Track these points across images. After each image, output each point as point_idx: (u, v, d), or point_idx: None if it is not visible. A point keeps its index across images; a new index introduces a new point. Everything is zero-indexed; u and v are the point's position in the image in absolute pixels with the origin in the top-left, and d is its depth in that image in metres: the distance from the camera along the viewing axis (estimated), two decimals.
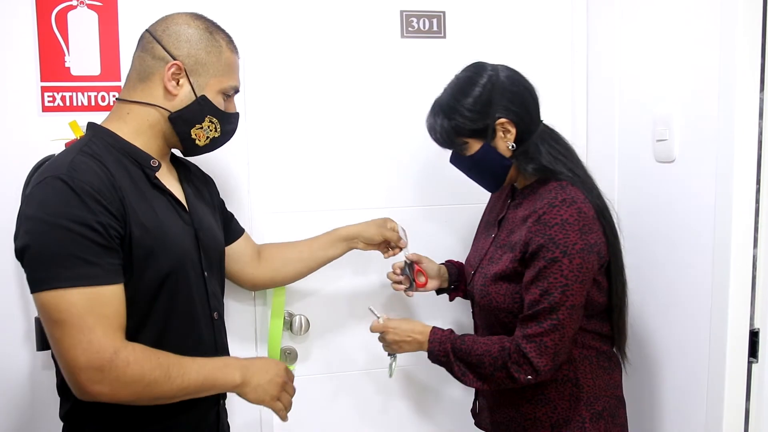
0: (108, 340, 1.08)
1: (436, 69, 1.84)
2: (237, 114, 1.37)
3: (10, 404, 1.62)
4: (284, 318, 1.76)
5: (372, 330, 1.57)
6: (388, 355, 1.59)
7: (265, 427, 1.80)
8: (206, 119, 1.29)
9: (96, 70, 1.62)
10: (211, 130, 1.31)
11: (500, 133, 1.42)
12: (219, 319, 1.36)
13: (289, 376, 1.35)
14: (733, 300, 1.38)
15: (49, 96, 1.60)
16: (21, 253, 1.10)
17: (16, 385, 1.62)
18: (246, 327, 1.76)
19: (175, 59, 1.24)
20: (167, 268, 1.20)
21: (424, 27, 1.84)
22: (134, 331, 1.15)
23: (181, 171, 1.39)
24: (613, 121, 1.81)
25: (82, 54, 1.61)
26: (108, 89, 1.63)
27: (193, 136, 1.30)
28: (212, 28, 1.30)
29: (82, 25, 1.60)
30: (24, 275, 1.14)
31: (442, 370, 1.47)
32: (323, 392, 1.86)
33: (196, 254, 1.29)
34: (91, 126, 1.26)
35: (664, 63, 1.59)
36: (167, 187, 1.28)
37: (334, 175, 1.82)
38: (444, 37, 1.85)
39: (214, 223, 1.43)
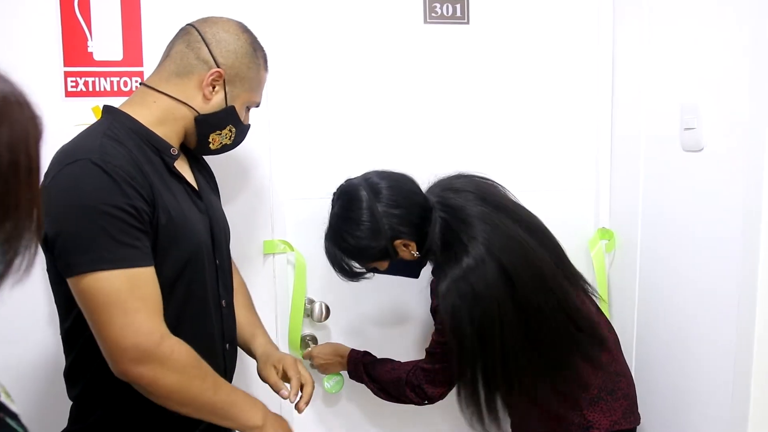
0: (154, 324, 1.09)
1: (460, 56, 1.83)
2: (249, 126, 1.40)
3: (34, 384, 1.64)
4: (304, 305, 1.76)
5: (303, 357, 1.72)
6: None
7: (285, 416, 1.80)
8: (227, 127, 1.32)
9: (119, 55, 1.63)
10: (226, 138, 1.34)
11: (402, 248, 1.48)
12: (227, 308, 1.36)
13: None
14: (762, 292, 1.36)
15: (72, 81, 1.60)
16: (53, 238, 1.08)
17: (37, 367, 1.64)
18: (266, 314, 1.76)
19: (219, 67, 1.25)
20: (187, 255, 1.21)
21: (447, 12, 1.81)
22: None
23: (191, 159, 1.39)
24: (639, 109, 1.78)
25: (105, 39, 1.61)
26: (130, 74, 1.63)
27: (209, 140, 1.32)
28: (256, 44, 1.32)
29: (105, 10, 1.60)
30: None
31: None
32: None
33: (210, 242, 1.30)
34: (108, 109, 1.24)
35: (693, 48, 1.56)
36: (183, 174, 1.28)
37: (354, 161, 1.79)
38: (467, 23, 1.83)
39: (222, 211, 1.44)
